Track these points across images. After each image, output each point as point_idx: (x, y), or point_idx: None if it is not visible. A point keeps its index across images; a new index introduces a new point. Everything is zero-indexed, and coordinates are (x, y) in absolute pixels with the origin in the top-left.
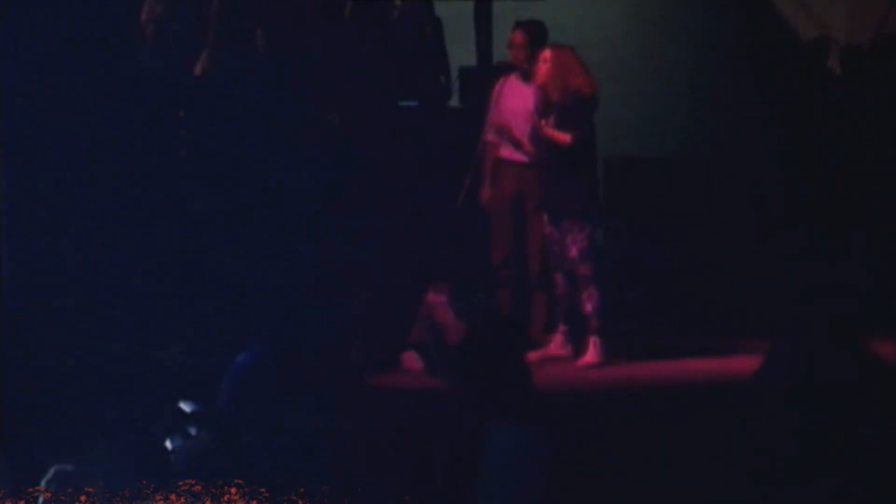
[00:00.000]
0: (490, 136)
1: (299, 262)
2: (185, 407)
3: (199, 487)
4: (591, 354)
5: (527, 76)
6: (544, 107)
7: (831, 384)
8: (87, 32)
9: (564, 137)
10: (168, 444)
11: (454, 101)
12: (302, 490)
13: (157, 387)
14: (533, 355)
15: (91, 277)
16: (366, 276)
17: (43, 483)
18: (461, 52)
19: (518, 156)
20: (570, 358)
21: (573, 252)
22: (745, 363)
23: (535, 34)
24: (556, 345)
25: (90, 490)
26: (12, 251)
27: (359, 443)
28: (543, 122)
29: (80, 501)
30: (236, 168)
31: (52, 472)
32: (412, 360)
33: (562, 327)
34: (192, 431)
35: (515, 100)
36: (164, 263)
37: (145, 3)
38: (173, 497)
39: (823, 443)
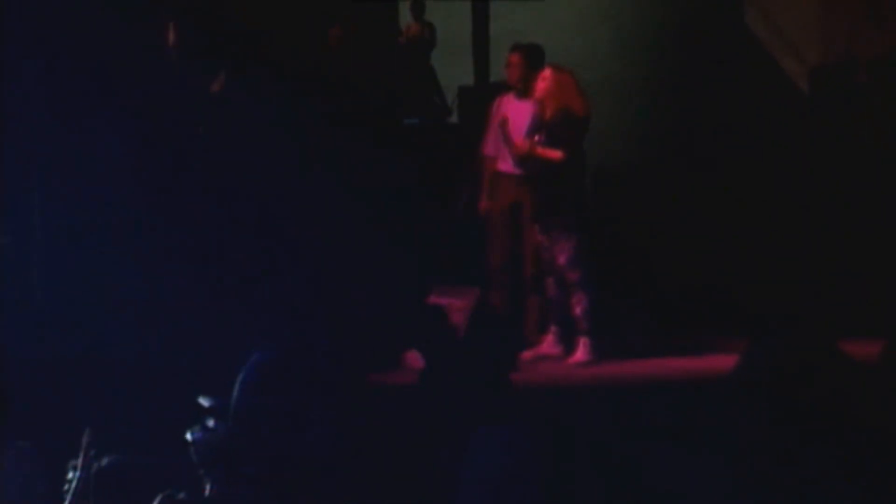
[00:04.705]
0: (488, 150)
1: (310, 265)
2: (204, 402)
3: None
4: (580, 353)
5: (522, 94)
6: (538, 123)
7: (805, 382)
8: (114, 54)
9: (556, 154)
10: (188, 437)
11: (453, 118)
12: (308, 485)
13: (178, 382)
14: (527, 354)
15: (115, 281)
16: (372, 280)
17: None
18: (460, 73)
19: (514, 169)
20: (561, 356)
21: (562, 260)
22: (724, 361)
23: (531, 56)
24: (549, 344)
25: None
26: (43, 254)
27: (364, 439)
28: (536, 138)
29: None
30: (251, 179)
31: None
32: (415, 359)
33: (553, 328)
34: (211, 424)
35: (512, 116)
36: (185, 267)
37: (169, 27)
38: None
39: (799, 438)
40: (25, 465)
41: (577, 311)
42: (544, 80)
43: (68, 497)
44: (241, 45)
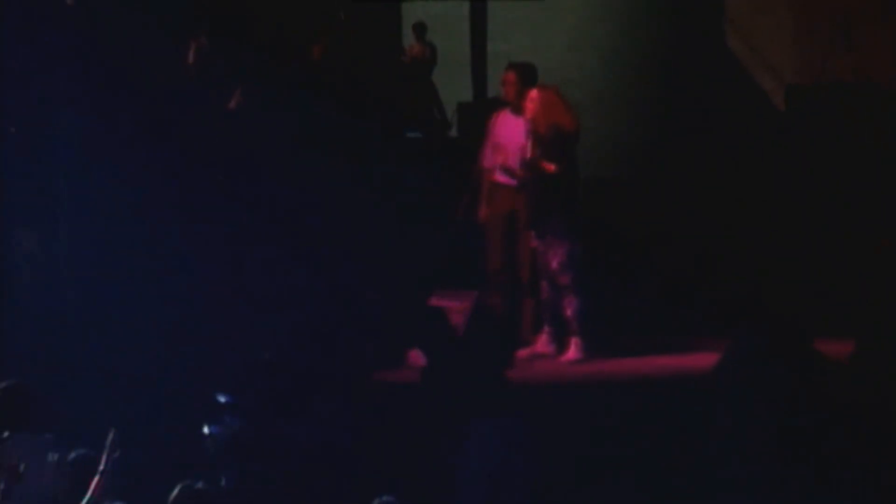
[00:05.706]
0: (486, 163)
1: (320, 270)
2: (221, 398)
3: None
4: (572, 352)
5: (517, 111)
6: (532, 139)
7: (780, 380)
8: (139, 71)
9: (550, 167)
10: (206, 430)
11: (453, 132)
12: (315, 477)
13: (194, 380)
14: (522, 352)
15: (135, 285)
16: (377, 282)
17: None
18: (459, 89)
19: (510, 180)
20: (553, 355)
21: (554, 264)
22: (706, 359)
23: (525, 74)
24: (542, 343)
25: None
26: (69, 260)
27: (369, 433)
28: (532, 154)
29: None
30: (263, 187)
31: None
32: (417, 357)
33: (547, 328)
34: (227, 419)
35: (507, 131)
36: (200, 271)
37: (190, 49)
38: None
39: (773, 431)
40: (49, 458)
41: (569, 312)
42: (532, 100)
43: (91, 489)
44: (257, 63)
